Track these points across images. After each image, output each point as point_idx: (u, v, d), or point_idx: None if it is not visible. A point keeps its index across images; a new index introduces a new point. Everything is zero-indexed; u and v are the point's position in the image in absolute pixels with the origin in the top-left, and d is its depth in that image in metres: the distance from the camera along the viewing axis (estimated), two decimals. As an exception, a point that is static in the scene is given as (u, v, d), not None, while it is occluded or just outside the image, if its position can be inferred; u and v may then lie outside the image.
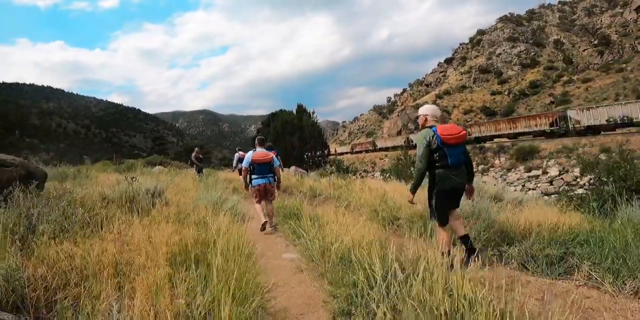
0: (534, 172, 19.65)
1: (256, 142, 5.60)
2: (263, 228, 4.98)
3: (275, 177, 5.47)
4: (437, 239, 3.11)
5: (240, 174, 6.25)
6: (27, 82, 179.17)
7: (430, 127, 3.16)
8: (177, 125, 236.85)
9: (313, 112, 24.68)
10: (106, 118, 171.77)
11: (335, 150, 50.35)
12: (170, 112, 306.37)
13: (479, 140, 28.55)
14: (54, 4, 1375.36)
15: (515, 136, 26.23)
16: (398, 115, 58.59)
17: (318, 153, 23.28)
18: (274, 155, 9.10)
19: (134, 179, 4.90)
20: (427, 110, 3.34)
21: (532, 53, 69.32)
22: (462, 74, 73.92)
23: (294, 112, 24.69)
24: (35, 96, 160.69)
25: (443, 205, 3.16)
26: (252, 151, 5.45)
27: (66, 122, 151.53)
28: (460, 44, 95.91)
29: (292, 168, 14.70)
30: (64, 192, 4.23)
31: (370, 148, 48.83)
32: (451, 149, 3.06)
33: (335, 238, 3.16)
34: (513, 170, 21.26)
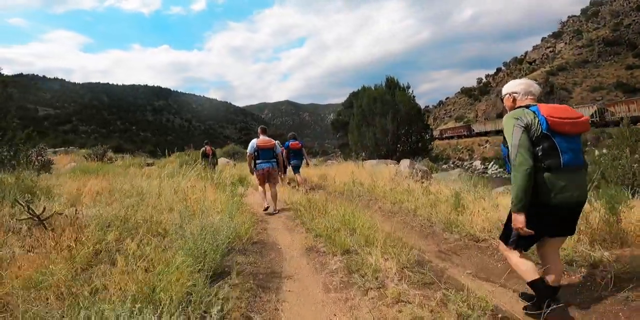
0: None
1: (259, 130, 6.01)
2: (266, 209, 5.53)
3: (278, 163, 5.91)
4: (514, 267, 2.08)
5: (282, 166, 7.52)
6: (142, 84, 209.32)
7: (527, 106, 2.01)
8: (262, 116, 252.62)
9: (408, 87, 18.45)
10: (203, 112, 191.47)
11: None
12: (257, 104, 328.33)
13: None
14: (156, 10, 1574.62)
15: (683, 113, 20.15)
16: (497, 96, 51.70)
17: (418, 137, 17.83)
18: (300, 145, 8.40)
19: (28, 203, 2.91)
20: (515, 86, 2.15)
21: (673, 23, 54.69)
22: (579, 48, 62.49)
23: (383, 87, 18.80)
24: (149, 96, 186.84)
25: (539, 229, 1.94)
26: (255, 139, 5.80)
27: (173, 117, 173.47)
28: (570, 17, 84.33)
29: (406, 163, 8.84)
30: None
31: (465, 133, 44.00)
32: (566, 140, 1.90)
33: None
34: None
